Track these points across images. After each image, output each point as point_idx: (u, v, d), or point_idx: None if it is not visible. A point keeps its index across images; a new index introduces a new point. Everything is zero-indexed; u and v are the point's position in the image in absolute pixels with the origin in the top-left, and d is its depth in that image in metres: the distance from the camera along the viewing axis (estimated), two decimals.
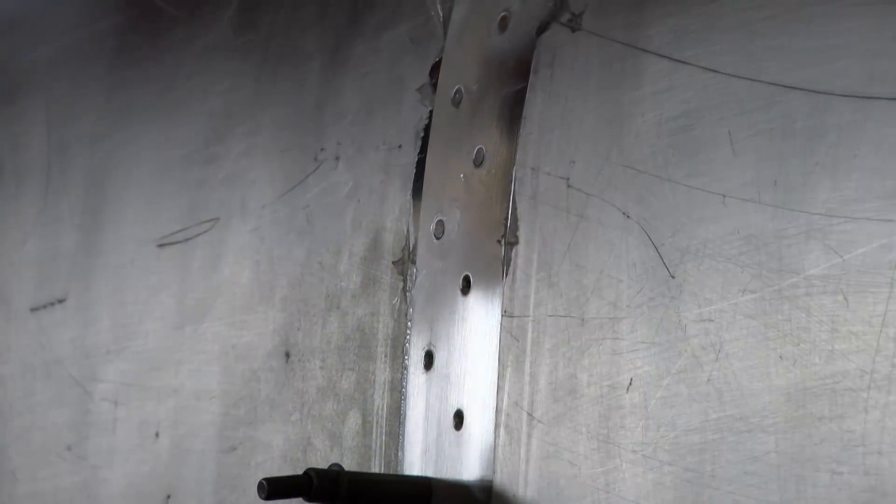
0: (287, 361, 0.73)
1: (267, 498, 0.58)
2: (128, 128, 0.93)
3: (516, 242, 0.59)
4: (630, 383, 0.53)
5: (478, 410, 0.60)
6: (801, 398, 0.46)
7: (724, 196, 0.50)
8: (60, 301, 0.94)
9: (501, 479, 0.58)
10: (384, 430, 0.65)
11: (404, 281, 0.66)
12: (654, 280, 0.52)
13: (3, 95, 1.10)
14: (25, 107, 1.07)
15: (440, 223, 0.64)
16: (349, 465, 0.66)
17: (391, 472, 0.64)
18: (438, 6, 0.68)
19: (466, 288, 0.62)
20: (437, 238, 0.64)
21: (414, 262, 0.65)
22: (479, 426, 0.59)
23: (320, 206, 0.73)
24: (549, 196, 0.58)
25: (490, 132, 0.62)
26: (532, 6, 0.61)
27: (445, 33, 0.67)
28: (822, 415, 0.46)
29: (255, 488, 0.57)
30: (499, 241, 0.60)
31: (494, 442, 0.58)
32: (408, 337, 0.64)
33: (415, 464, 0.62)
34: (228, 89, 0.83)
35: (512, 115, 0.61)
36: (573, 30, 0.58)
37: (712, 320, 0.50)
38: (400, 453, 0.64)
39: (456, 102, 0.64)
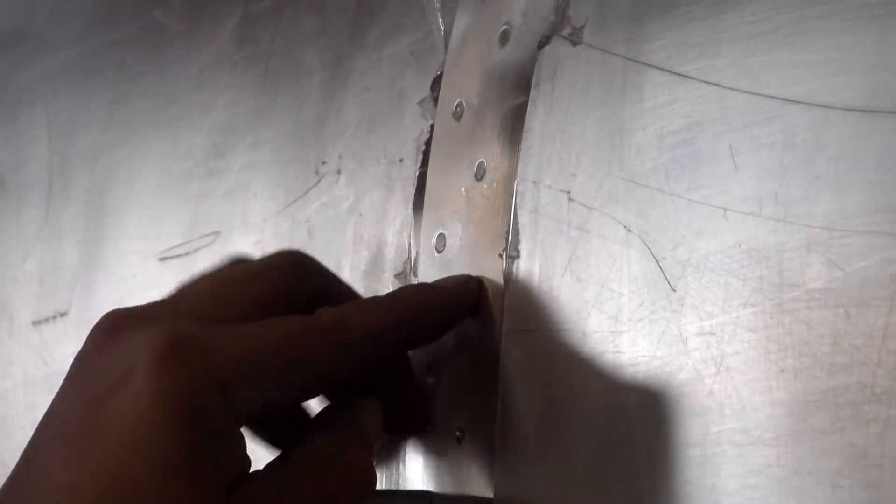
0: None
1: None
2: (129, 142, 0.93)
3: (517, 256, 0.59)
4: (631, 397, 0.53)
5: (479, 425, 0.60)
6: (803, 411, 0.46)
7: (726, 209, 0.50)
8: (62, 315, 0.94)
9: (501, 495, 0.58)
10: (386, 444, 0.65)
11: None
12: (656, 293, 0.52)
13: (4, 111, 1.10)
14: (27, 122, 1.07)
15: (441, 237, 0.64)
16: None
17: (392, 487, 0.64)
18: (440, 20, 0.68)
19: None
20: (439, 252, 0.64)
21: (416, 276, 0.65)
22: (480, 441, 0.59)
23: (322, 219, 0.73)
24: (551, 209, 0.58)
25: (491, 146, 0.62)
26: (533, 20, 0.61)
27: (446, 47, 0.67)
28: (823, 428, 0.46)
29: None
30: (500, 255, 0.60)
31: (495, 457, 0.58)
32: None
33: (416, 478, 0.62)
34: (229, 103, 0.83)
35: (513, 128, 0.61)
36: (574, 43, 0.59)
37: (713, 334, 0.50)
38: (401, 467, 0.63)
39: (457, 116, 0.64)
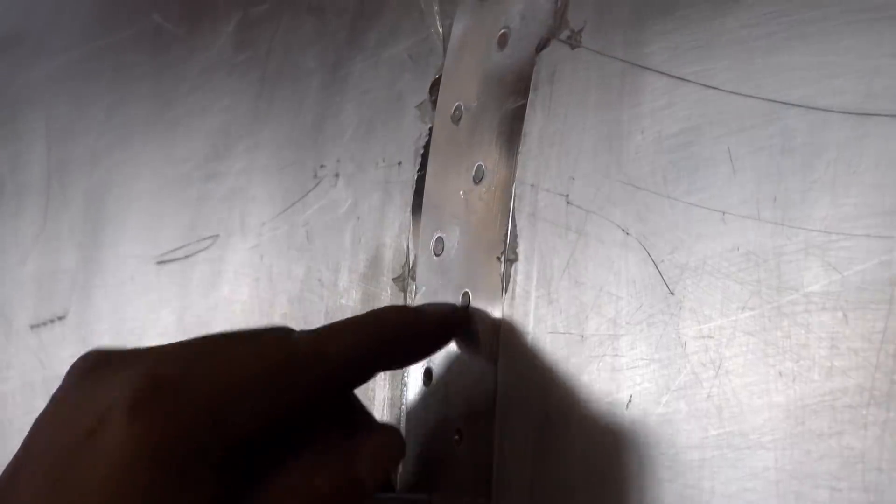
0: None
1: None
2: (127, 146, 0.93)
3: (516, 259, 0.59)
4: (630, 400, 0.53)
5: (477, 428, 0.60)
6: (801, 414, 0.46)
7: (724, 213, 0.50)
8: (60, 318, 0.94)
9: (501, 496, 0.58)
10: None
11: (404, 297, 0.66)
12: (654, 297, 0.52)
13: (3, 114, 1.10)
14: (25, 125, 1.07)
15: (440, 240, 0.64)
16: None
17: (390, 489, 0.64)
18: (438, 23, 0.68)
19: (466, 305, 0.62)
20: (437, 255, 0.64)
21: (414, 279, 0.65)
22: (479, 444, 0.59)
23: (320, 222, 0.73)
24: (549, 213, 0.58)
25: (489, 149, 0.62)
26: (531, 23, 0.61)
27: (445, 50, 0.67)
28: (821, 431, 0.46)
29: None
30: (498, 258, 0.60)
31: (494, 460, 0.58)
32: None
33: (415, 480, 0.62)
34: (228, 107, 0.83)
35: (511, 131, 0.61)
36: (573, 47, 0.59)
37: (712, 337, 0.50)
38: (400, 469, 0.63)
39: (455, 119, 0.64)
